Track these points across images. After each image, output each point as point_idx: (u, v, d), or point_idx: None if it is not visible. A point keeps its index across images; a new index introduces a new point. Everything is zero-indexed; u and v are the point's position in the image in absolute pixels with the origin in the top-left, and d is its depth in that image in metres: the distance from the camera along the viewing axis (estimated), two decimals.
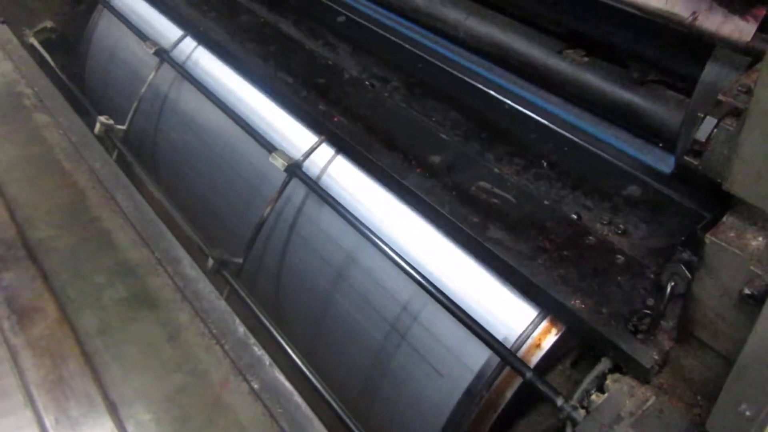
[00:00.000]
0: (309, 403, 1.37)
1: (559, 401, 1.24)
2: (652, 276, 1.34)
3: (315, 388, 1.55)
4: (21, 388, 1.32)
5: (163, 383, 1.38)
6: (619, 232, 1.46)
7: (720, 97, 1.10)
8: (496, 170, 1.64)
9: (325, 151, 1.88)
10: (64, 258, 1.62)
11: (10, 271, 1.55)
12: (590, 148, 1.68)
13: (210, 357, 1.44)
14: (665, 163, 1.57)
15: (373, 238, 1.63)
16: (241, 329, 1.50)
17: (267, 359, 1.43)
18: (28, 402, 1.30)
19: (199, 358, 1.43)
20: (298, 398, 1.37)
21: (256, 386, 1.38)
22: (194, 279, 1.61)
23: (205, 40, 2.35)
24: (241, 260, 1.89)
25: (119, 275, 1.60)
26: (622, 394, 1.23)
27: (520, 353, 1.37)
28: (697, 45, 1.31)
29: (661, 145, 1.59)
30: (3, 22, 2.59)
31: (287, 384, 1.39)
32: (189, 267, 1.64)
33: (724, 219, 1.10)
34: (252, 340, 1.47)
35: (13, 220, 1.70)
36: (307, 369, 1.59)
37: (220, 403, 1.35)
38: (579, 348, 1.38)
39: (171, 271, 1.62)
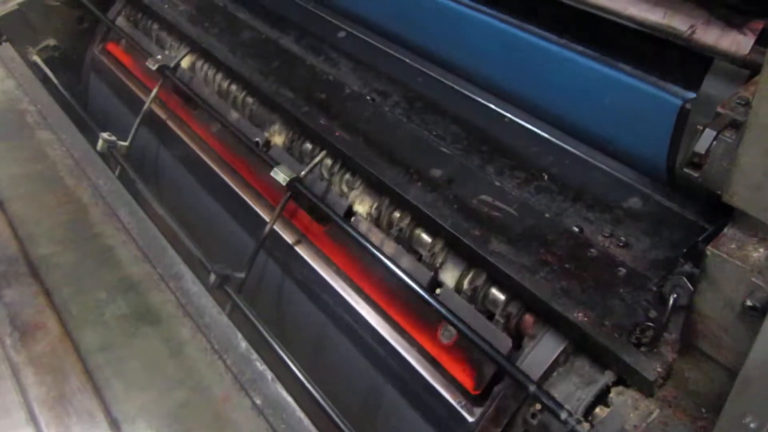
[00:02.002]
0: (311, 419, 1.37)
1: (563, 415, 1.24)
2: (654, 288, 1.34)
3: (318, 404, 1.55)
4: (23, 405, 1.32)
5: (165, 399, 1.37)
6: (621, 244, 1.46)
7: (719, 109, 1.10)
8: (497, 183, 1.64)
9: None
10: (66, 274, 1.63)
11: (12, 287, 1.56)
12: (591, 160, 1.68)
13: (212, 372, 1.44)
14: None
15: (376, 252, 1.63)
16: (243, 344, 1.50)
17: (269, 374, 1.43)
18: (30, 419, 1.30)
19: (201, 374, 1.43)
20: (300, 413, 1.37)
21: (258, 402, 1.38)
22: (196, 294, 1.61)
23: (207, 56, 2.37)
24: (243, 275, 1.89)
25: (121, 291, 1.60)
26: (626, 407, 1.22)
27: (523, 366, 1.37)
28: None
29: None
30: (6, 41, 2.61)
31: (290, 399, 1.39)
32: (191, 282, 1.64)
33: (725, 231, 1.10)
34: (254, 356, 1.47)
35: (16, 237, 1.71)
36: (310, 384, 1.59)
37: (223, 419, 1.35)
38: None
39: (173, 286, 1.62)
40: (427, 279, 1.60)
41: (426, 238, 1.64)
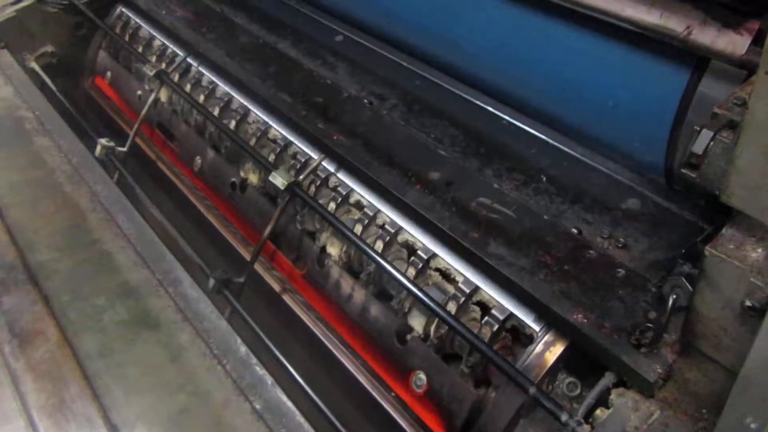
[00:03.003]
0: (311, 423, 1.37)
1: (564, 417, 1.23)
2: (653, 289, 1.34)
3: (318, 408, 1.54)
4: (22, 412, 1.32)
5: (165, 405, 1.37)
6: (620, 245, 1.46)
7: (716, 110, 1.10)
8: (495, 186, 1.64)
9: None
10: (65, 281, 1.62)
11: (11, 294, 1.55)
12: (589, 162, 1.68)
13: (212, 377, 1.43)
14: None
15: (374, 255, 1.63)
16: (243, 349, 1.49)
17: (269, 379, 1.43)
18: (30, 426, 1.30)
19: (201, 379, 1.43)
20: (300, 418, 1.36)
21: (258, 406, 1.38)
22: (195, 299, 1.61)
23: (204, 61, 2.37)
24: (242, 280, 1.89)
25: (120, 297, 1.60)
26: (626, 408, 1.22)
27: (523, 368, 1.37)
28: None
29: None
30: (4, 47, 2.61)
31: (289, 404, 1.39)
32: (190, 287, 1.64)
33: (724, 231, 1.10)
34: (254, 360, 1.47)
35: (14, 244, 1.70)
36: (310, 388, 1.58)
37: (222, 424, 1.35)
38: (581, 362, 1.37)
39: (172, 291, 1.62)
40: (395, 326, 1.61)
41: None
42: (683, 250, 1.27)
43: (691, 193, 1.30)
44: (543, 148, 1.75)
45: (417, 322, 1.55)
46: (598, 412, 1.24)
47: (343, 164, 1.85)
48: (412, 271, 1.58)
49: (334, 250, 1.78)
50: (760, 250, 1.05)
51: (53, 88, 2.64)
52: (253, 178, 2.05)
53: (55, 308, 1.54)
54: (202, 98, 2.27)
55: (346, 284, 1.74)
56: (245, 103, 2.17)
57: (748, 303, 1.03)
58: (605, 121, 1.56)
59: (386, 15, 2.02)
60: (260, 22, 2.48)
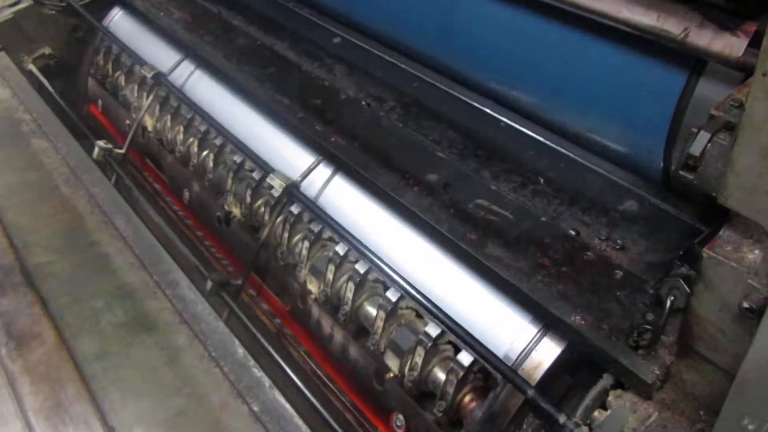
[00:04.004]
0: (309, 426, 1.37)
1: (562, 419, 1.23)
2: (651, 291, 1.33)
3: (316, 410, 1.54)
4: (19, 414, 1.32)
5: (163, 407, 1.37)
6: (618, 247, 1.46)
7: (713, 111, 1.10)
8: (493, 187, 1.64)
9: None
10: (62, 283, 1.62)
11: (8, 296, 1.55)
12: (587, 163, 1.68)
13: (209, 379, 1.43)
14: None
15: (372, 257, 1.63)
16: (241, 351, 1.49)
17: (267, 381, 1.43)
18: (27, 428, 1.30)
19: (199, 381, 1.43)
20: (298, 420, 1.36)
21: (256, 408, 1.37)
22: (193, 301, 1.61)
23: (202, 63, 2.37)
24: (239, 281, 1.88)
25: (117, 299, 1.60)
26: (624, 410, 1.22)
27: (521, 370, 1.37)
28: None
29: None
30: (1, 49, 2.61)
31: (287, 406, 1.39)
32: (187, 289, 1.64)
33: (721, 233, 1.10)
34: (251, 362, 1.47)
35: (11, 246, 1.70)
36: (308, 390, 1.58)
37: (220, 426, 1.34)
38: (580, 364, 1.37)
39: (170, 293, 1.62)
40: (373, 368, 1.61)
41: (371, 311, 1.61)
42: (681, 252, 1.27)
43: (689, 195, 1.30)
44: (541, 150, 1.75)
45: (393, 363, 1.54)
46: (596, 413, 1.24)
47: (341, 166, 1.85)
48: (382, 313, 1.56)
49: (313, 287, 1.75)
50: (757, 252, 1.05)
51: (51, 89, 2.63)
52: (236, 211, 2.03)
53: (53, 310, 1.54)
54: (181, 129, 2.26)
55: (326, 323, 1.75)
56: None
57: (745, 304, 1.03)
58: (603, 123, 1.56)
59: (384, 17, 2.03)
60: (258, 25, 2.48)
